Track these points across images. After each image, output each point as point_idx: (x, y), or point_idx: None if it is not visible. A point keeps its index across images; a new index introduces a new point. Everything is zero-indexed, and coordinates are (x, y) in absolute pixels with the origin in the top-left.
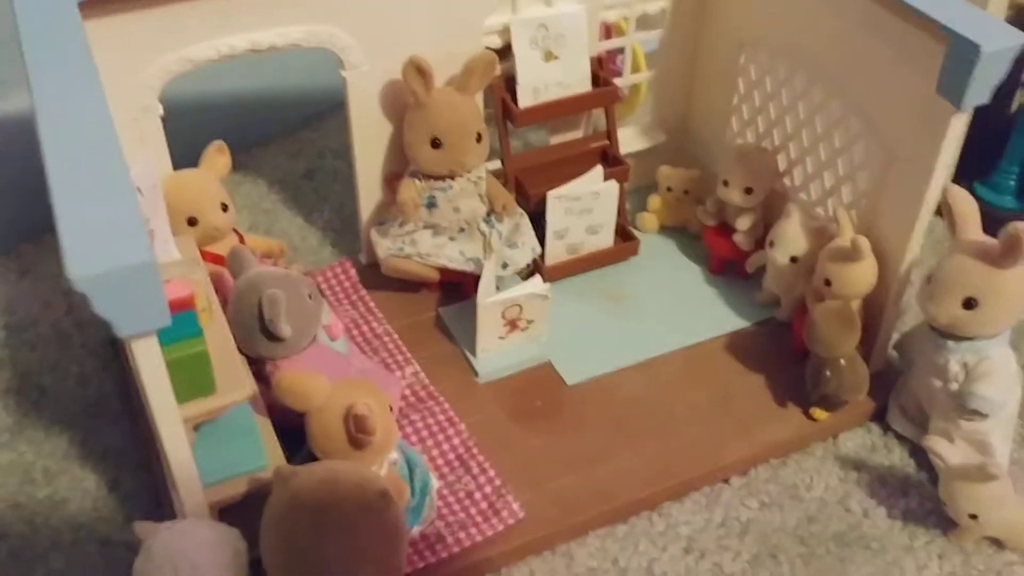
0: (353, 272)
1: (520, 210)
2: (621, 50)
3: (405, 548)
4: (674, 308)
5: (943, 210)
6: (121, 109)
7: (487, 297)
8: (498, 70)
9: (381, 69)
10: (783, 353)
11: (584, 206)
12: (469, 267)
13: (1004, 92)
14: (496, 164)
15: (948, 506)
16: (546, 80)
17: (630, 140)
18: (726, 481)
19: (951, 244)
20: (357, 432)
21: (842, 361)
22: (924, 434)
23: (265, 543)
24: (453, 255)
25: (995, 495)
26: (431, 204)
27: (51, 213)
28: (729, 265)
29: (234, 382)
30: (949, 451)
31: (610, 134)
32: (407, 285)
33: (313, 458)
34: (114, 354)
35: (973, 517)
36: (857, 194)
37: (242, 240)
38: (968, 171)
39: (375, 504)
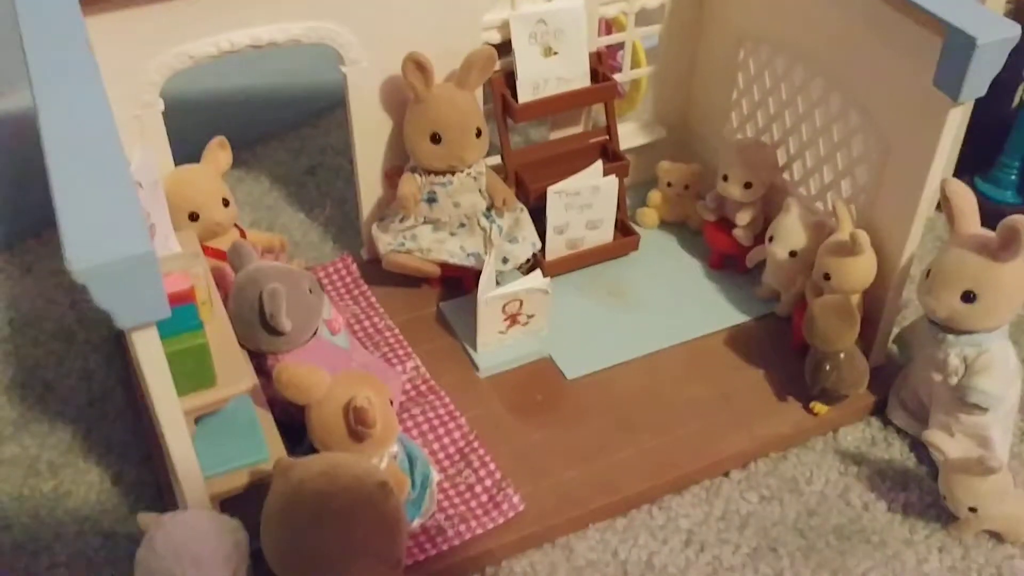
0: (354, 268)
1: (520, 205)
2: (621, 46)
3: (405, 540)
4: (674, 303)
5: (942, 203)
6: (122, 105)
7: (487, 292)
8: (497, 65)
9: (381, 65)
10: (783, 348)
11: (584, 201)
12: (469, 262)
13: (1005, 87)
14: (496, 159)
15: (948, 499)
16: (545, 75)
17: (630, 135)
18: (726, 475)
19: (949, 237)
20: (357, 425)
21: (841, 355)
22: (924, 428)
23: (265, 534)
24: (453, 250)
25: (995, 488)
26: (431, 199)
27: (53, 211)
28: (729, 260)
29: (235, 375)
30: (949, 444)
31: (610, 129)
32: (408, 280)
33: (314, 451)
34: (118, 350)
35: (973, 510)
36: (856, 188)
37: (243, 235)
38: (969, 166)
39: (375, 496)
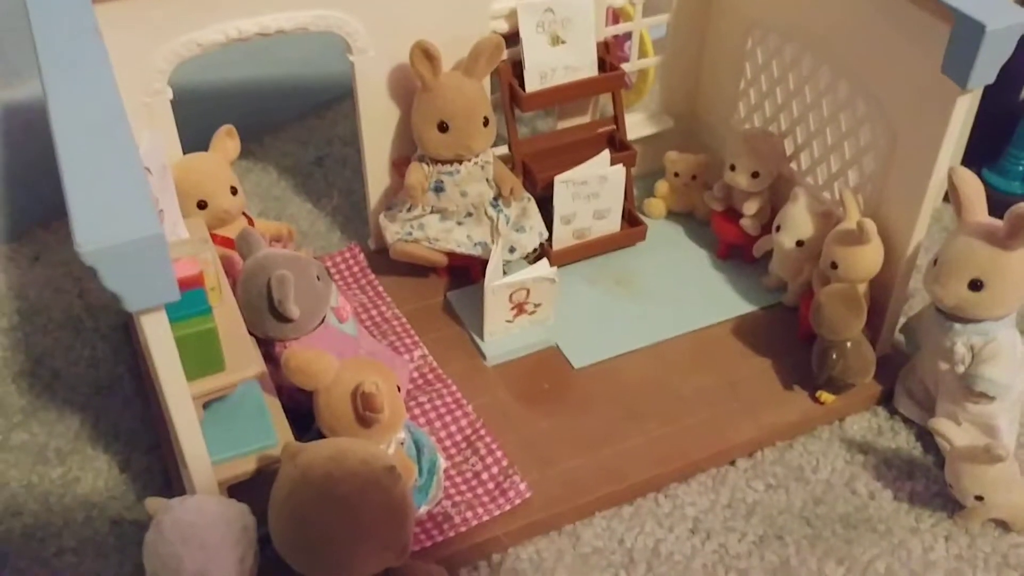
0: (362, 257)
1: (527, 194)
2: (628, 36)
3: (412, 525)
4: (681, 293)
5: (949, 192)
6: (131, 93)
7: (494, 281)
8: (505, 54)
9: (388, 54)
10: (790, 337)
11: (591, 190)
12: (476, 251)
13: (1013, 78)
14: (503, 149)
15: (954, 488)
16: (553, 64)
17: (637, 125)
18: (732, 463)
19: (956, 226)
20: (365, 410)
21: (848, 344)
22: (930, 417)
23: (273, 519)
24: (461, 239)
25: (1001, 477)
26: (438, 188)
27: (61, 200)
28: (736, 250)
29: (243, 360)
30: (955, 433)
31: (617, 119)
32: (415, 270)
33: (322, 438)
34: (125, 338)
35: (979, 499)
36: (863, 177)
37: (251, 223)
38: (976, 157)
39: (382, 480)
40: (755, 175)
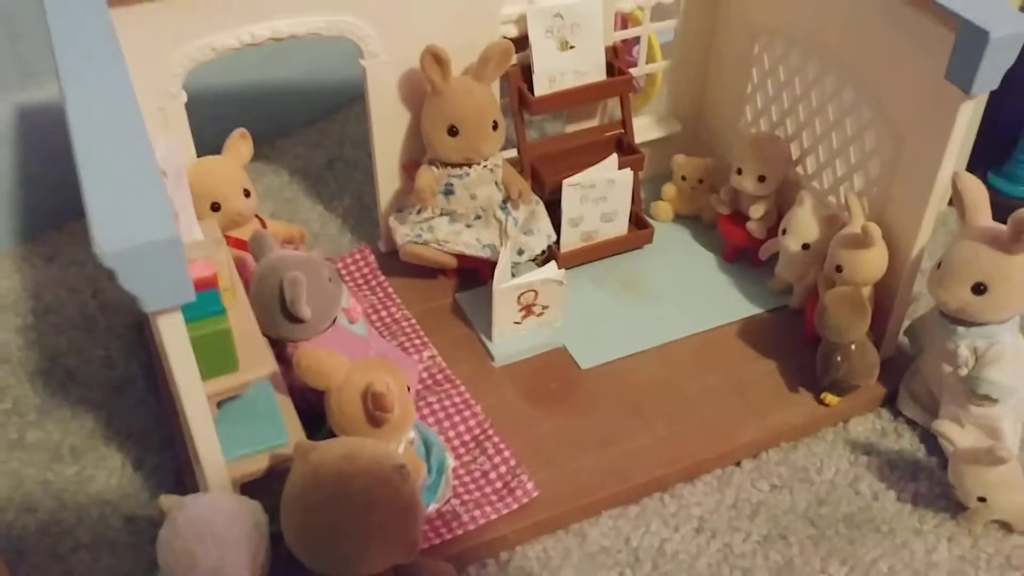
0: (372, 259)
1: (535, 197)
2: (637, 40)
3: (421, 523)
4: (688, 295)
5: (953, 196)
6: (146, 97)
7: (503, 283)
8: (514, 59)
9: (399, 58)
10: (795, 339)
11: (599, 194)
12: (485, 253)
13: (1019, 83)
14: (512, 152)
15: (957, 489)
16: (562, 69)
17: (645, 129)
18: (738, 464)
19: (961, 230)
20: (375, 409)
21: (852, 346)
22: (934, 419)
23: (285, 516)
24: (470, 242)
25: (1004, 479)
26: (448, 191)
27: (76, 201)
28: (743, 253)
29: (256, 360)
30: (958, 435)
31: (625, 123)
32: (425, 271)
33: (333, 437)
34: (139, 338)
35: (982, 500)
36: (868, 182)
37: (264, 225)
38: (982, 161)
39: (392, 479)
40: (761, 179)
